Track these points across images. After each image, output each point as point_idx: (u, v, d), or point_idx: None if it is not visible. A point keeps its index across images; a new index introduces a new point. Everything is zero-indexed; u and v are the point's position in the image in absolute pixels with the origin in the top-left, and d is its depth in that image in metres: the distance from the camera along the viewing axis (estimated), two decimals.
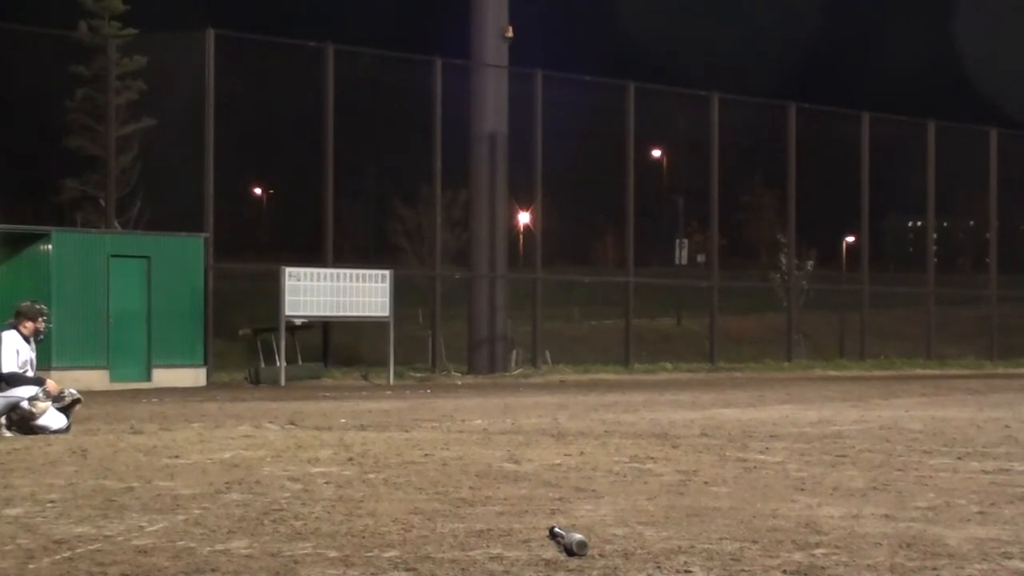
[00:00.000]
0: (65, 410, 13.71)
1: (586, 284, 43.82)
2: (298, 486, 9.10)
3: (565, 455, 11.28)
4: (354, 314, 28.11)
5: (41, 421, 13.38)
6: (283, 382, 26.48)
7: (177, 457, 11.10)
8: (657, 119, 37.27)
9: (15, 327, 13.80)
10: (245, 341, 29.43)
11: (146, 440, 12.77)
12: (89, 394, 15.51)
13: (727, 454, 11.39)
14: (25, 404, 13.34)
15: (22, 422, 13.38)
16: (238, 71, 29.65)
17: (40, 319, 13.98)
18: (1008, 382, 29.06)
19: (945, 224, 50.99)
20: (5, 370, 13.46)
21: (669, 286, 44.11)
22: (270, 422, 15.20)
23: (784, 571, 6.12)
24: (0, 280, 24.63)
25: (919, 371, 36.25)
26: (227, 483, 9.25)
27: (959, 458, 11.15)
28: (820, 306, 41.78)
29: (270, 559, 6.38)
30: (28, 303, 14.23)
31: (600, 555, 6.37)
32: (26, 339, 13.79)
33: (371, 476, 9.71)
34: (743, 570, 6.04)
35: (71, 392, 13.95)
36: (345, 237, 35.51)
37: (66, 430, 13.44)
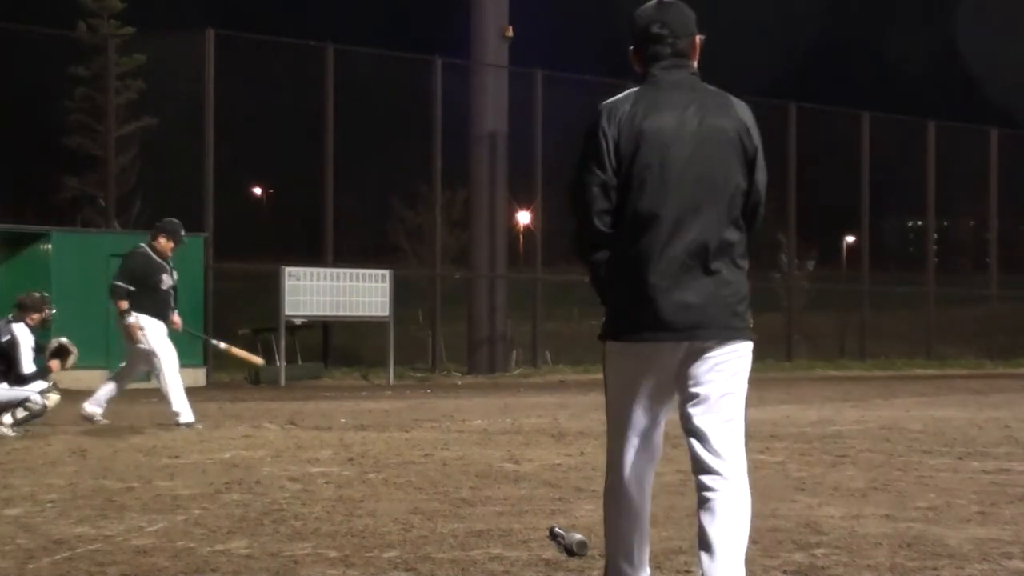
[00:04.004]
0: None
1: (586, 284, 43.73)
2: (298, 486, 9.10)
3: (565, 455, 11.28)
4: (354, 314, 28.09)
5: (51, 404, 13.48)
6: (283, 382, 26.46)
7: (177, 457, 11.10)
8: None
9: (22, 321, 13.79)
10: (245, 341, 29.40)
11: (146, 440, 12.78)
12: (89, 394, 15.50)
13: None
14: (37, 398, 13.32)
15: (33, 418, 13.36)
16: (238, 71, 29.63)
17: (45, 308, 14.02)
18: (1008, 382, 29.04)
19: (945, 224, 50.84)
20: (26, 371, 13.50)
21: None
22: (270, 422, 15.20)
23: (784, 571, 6.13)
24: (0, 280, 24.61)
25: (919, 371, 36.22)
26: (227, 483, 9.25)
27: (959, 458, 11.15)
28: (820, 306, 41.71)
29: (270, 559, 6.39)
30: (33, 294, 14.23)
31: (600, 555, 6.36)
32: (33, 331, 13.86)
33: (371, 476, 9.71)
34: None
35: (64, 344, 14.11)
36: (345, 237, 35.43)
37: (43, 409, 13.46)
